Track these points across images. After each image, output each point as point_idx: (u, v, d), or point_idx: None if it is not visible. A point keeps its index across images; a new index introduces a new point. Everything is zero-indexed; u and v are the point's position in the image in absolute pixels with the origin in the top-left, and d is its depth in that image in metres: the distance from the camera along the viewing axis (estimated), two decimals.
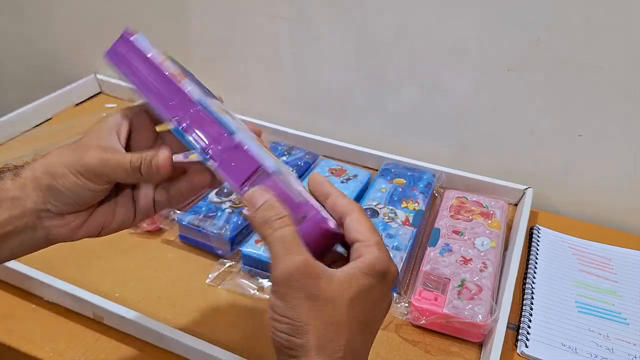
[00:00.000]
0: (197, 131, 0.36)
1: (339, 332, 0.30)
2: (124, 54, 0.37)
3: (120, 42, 0.37)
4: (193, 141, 0.36)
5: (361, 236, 0.33)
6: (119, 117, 0.39)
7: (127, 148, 0.38)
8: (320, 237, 0.33)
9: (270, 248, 0.31)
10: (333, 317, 0.30)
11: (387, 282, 0.32)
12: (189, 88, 0.37)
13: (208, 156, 0.36)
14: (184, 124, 0.36)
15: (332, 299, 0.30)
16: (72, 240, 0.38)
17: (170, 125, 0.36)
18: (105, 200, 0.39)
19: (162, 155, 0.36)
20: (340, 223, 0.34)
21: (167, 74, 0.37)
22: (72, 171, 0.35)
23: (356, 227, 0.33)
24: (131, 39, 0.37)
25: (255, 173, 0.34)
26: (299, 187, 0.35)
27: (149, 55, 0.37)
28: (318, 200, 0.35)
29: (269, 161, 0.35)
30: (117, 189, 0.39)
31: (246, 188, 0.34)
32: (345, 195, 0.35)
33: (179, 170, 0.39)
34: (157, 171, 0.36)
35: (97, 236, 0.39)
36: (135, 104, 0.40)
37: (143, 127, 0.40)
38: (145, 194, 0.40)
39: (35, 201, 0.35)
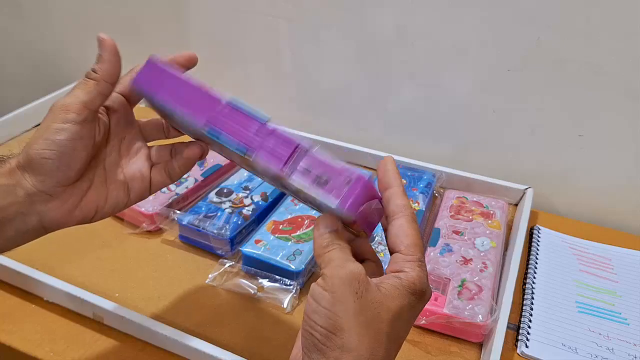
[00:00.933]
0: (230, 128, 0.36)
1: (379, 344, 0.29)
2: (149, 75, 0.37)
3: (145, 68, 0.38)
4: (229, 140, 0.36)
5: (404, 248, 0.32)
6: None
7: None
8: (367, 197, 0.33)
9: (333, 254, 0.31)
10: (375, 326, 0.29)
11: (423, 302, 0.32)
12: (217, 91, 0.37)
13: (245, 149, 0.36)
14: (216, 126, 0.36)
15: (378, 305, 0.29)
16: (67, 225, 0.38)
17: (204, 130, 0.36)
18: (96, 181, 0.39)
19: (102, 34, 0.36)
20: (386, 220, 0.34)
21: (194, 83, 0.38)
22: (43, 128, 0.35)
23: (402, 235, 0.32)
24: (154, 61, 0.38)
25: (294, 152, 0.35)
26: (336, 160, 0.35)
27: (172, 71, 0.38)
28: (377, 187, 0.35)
29: (304, 140, 0.35)
30: (109, 168, 0.39)
31: (286, 170, 0.34)
32: (406, 194, 0.34)
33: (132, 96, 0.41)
34: (106, 49, 0.36)
35: (91, 220, 0.39)
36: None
37: (117, 110, 0.41)
38: (140, 172, 0.41)
39: (24, 185, 0.35)
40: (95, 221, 0.39)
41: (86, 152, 0.37)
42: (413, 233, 0.32)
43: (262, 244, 0.60)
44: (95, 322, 0.54)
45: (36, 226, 0.36)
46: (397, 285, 0.30)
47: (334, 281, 0.29)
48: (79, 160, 0.36)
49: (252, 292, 0.58)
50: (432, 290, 0.55)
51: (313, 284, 0.30)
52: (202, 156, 0.42)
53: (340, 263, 0.30)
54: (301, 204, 0.67)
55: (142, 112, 0.45)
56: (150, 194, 0.42)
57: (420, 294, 0.31)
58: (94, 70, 0.36)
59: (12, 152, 0.37)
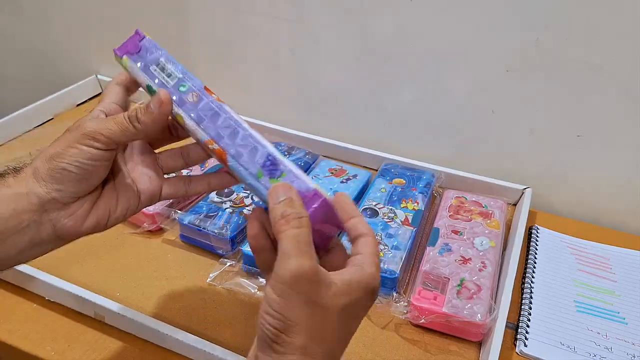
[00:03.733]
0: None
1: (325, 336, 0.31)
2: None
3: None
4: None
5: (367, 253, 0.34)
6: (106, 104, 0.40)
7: None
8: (327, 216, 0.34)
9: (282, 244, 0.31)
10: (323, 322, 0.31)
11: (372, 300, 0.34)
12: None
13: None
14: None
15: (327, 306, 0.31)
16: (80, 235, 0.38)
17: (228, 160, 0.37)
18: (106, 187, 0.39)
19: (162, 92, 0.37)
20: (351, 241, 0.36)
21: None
22: (70, 144, 0.35)
23: (367, 245, 0.34)
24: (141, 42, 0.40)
25: (268, 161, 0.36)
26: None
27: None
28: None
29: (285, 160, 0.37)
30: (116, 174, 0.40)
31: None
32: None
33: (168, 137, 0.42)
34: (159, 108, 0.36)
35: (105, 227, 0.39)
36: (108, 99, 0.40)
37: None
38: (147, 173, 0.41)
39: (38, 193, 0.35)
40: (108, 228, 0.39)
41: (106, 170, 0.38)
42: (376, 249, 0.35)
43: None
44: (96, 321, 0.54)
45: (50, 236, 0.37)
46: (352, 281, 0.32)
47: (283, 286, 0.30)
48: (98, 179, 0.37)
49: (253, 291, 0.59)
50: (432, 289, 0.56)
51: (266, 286, 0.31)
52: (228, 186, 0.44)
53: (292, 256, 0.30)
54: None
55: None
56: (162, 199, 0.42)
57: (372, 291, 0.33)
58: (138, 119, 0.36)
59: (25, 162, 0.37)
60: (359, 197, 0.72)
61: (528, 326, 0.56)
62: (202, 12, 0.86)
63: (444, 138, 0.80)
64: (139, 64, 0.39)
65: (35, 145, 0.81)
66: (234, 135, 0.37)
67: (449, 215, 0.67)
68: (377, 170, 0.77)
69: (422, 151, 0.80)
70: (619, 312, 0.59)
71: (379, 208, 0.67)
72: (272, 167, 0.36)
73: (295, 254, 0.30)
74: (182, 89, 0.38)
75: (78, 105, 0.96)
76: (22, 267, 0.55)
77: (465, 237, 0.64)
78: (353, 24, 0.76)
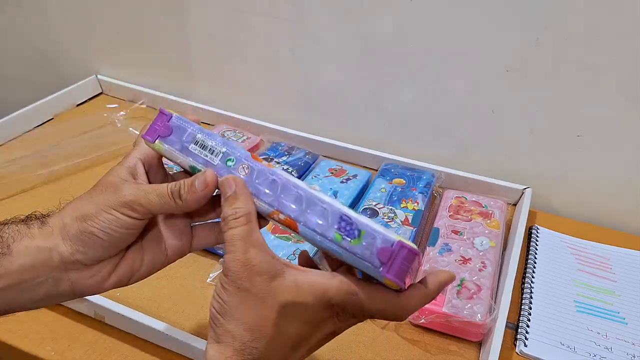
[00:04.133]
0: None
1: (259, 327, 0.31)
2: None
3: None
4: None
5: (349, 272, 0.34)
6: (132, 159, 0.38)
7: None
8: (414, 263, 0.33)
9: (225, 244, 0.33)
10: (256, 312, 0.31)
11: (328, 312, 0.33)
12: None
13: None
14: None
15: (262, 296, 0.31)
16: (100, 292, 0.37)
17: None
18: (133, 246, 0.38)
19: (209, 172, 0.35)
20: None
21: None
22: (105, 208, 0.34)
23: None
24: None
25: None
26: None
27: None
28: None
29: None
30: (143, 231, 0.38)
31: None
32: None
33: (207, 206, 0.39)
34: (203, 190, 0.35)
35: (127, 284, 0.38)
36: (139, 145, 0.39)
37: (153, 165, 0.39)
38: (178, 228, 0.39)
39: (62, 252, 0.34)
40: (130, 284, 0.39)
41: (135, 237, 0.37)
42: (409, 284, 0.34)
43: None
44: (96, 321, 0.54)
45: (67, 291, 0.36)
46: (299, 283, 0.32)
47: (223, 276, 0.32)
48: (125, 244, 0.36)
49: None
50: None
51: (220, 274, 0.33)
52: None
53: (228, 252, 0.32)
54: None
55: None
56: (191, 251, 0.41)
57: (326, 303, 0.32)
58: (180, 196, 0.35)
59: (53, 211, 0.36)
60: (359, 197, 0.72)
61: (528, 326, 0.56)
62: (202, 12, 0.86)
63: (444, 138, 0.80)
64: (176, 147, 0.36)
65: (36, 145, 0.81)
66: (299, 201, 0.34)
67: (449, 215, 0.67)
68: (377, 170, 0.77)
69: (422, 151, 0.80)
70: (619, 312, 0.59)
71: (379, 208, 0.68)
72: (348, 228, 0.33)
73: (229, 250, 0.32)
74: (229, 163, 0.36)
75: (78, 105, 0.96)
76: None
77: (465, 237, 0.64)
78: (353, 24, 0.76)
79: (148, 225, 0.38)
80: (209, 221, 0.41)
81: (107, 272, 0.37)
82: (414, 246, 0.32)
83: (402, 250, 0.32)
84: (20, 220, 0.35)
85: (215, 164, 0.36)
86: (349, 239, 0.33)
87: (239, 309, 0.32)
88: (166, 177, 0.40)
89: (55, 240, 0.34)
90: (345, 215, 0.33)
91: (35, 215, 0.36)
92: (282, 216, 0.35)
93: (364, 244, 0.32)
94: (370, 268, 0.32)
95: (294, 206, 0.34)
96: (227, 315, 0.32)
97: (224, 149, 0.36)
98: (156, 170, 0.39)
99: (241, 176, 0.35)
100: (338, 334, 0.35)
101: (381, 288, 0.33)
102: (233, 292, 0.32)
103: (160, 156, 0.39)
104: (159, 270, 0.40)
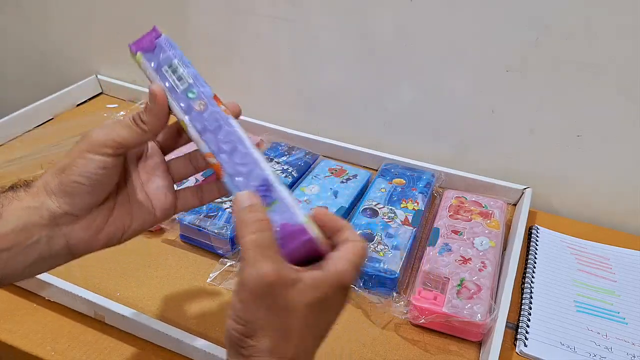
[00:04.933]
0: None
1: (292, 336, 0.31)
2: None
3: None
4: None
5: (344, 250, 0.33)
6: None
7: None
8: (309, 253, 0.33)
9: (243, 250, 0.31)
10: (288, 323, 0.31)
11: (343, 295, 0.34)
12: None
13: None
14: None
15: (291, 307, 0.31)
16: (94, 249, 0.38)
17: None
18: (120, 201, 0.39)
19: (154, 84, 0.37)
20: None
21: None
22: (78, 155, 0.35)
23: (345, 245, 0.34)
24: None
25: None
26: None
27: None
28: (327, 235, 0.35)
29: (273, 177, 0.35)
30: (128, 187, 0.39)
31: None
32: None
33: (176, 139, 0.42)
34: (154, 101, 0.36)
35: (119, 241, 0.39)
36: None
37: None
38: (161, 187, 0.40)
39: (50, 207, 0.35)
40: (123, 242, 0.39)
41: (116, 179, 0.37)
42: (358, 250, 0.33)
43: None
44: (96, 321, 0.54)
45: (62, 249, 0.36)
46: (319, 279, 0.31)
47: (245, 292, 0.30)
48: (109, 187, 0.37)
49: None
50: (432, 289, 0.56)
51: (233, 293, 0.32)
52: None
53: (251, 262, 0.30)
54: (301, 204, 0.68)
55: None
56: (177, 212, 0.42)
57: (344, 287, 0.33)
58: (142, 120, 0.36)
59: (37, 175, 0.37)
60: (359, 197, 0.72)
61: (528, 326, 0.56)
62: (202, 12, 0.86)
63: (444, 138, 0.80)
64: (152, 63, 0.38)
65: (36, 145, 0.81)
66: (233, 152, 0.36)
67: (449, 215, 0.67)
68: (377, 170, 0.77)
69: (422, 151, 0.80)
70: (619, 312, 0.59)
71: (379, 208, 0.68)
72: (265, 193, 0.34)
73: (255, 260, 0.30)
74: (190, 95, 0.37)
75: (78, 105, 0.96)
76: None
77: (465, 237, 0.64)
78: (353, 24, 0.76)
79: (132, 186, 0.39)
80: (189, 184, 0.42)
81: (99, 226, 0.37)
82: (315, 235, 0.33)
83: (302, 235, 0.32)
84: (6, 189, 0.36)
85: (178, 91, 0.37)
86: (262, 204, 0.34)
87: (270, 325, 0.30)
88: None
89: (42, 197, 0.35)
90: (267, 180, 0.35)
91: (19, 183, 0.37)
92: (213, 160, 0.36)
93: (272, 213, 0.33)
94: None
95: (226, 156, 0.36)
96: (257, 336, 0.30)
97: (190, 80, 0.37)
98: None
99: (195, 109, 0.37)
100: (344, 306, 0.35)
101: (349, 250, 0.34)
102: (261, 309, 0.30)
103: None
104: (150, 228, 0.41)
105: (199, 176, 0.72)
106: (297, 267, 0.32)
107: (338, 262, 0.33)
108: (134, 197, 0.39)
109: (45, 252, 0.36)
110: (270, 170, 0.35)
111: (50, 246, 0.36)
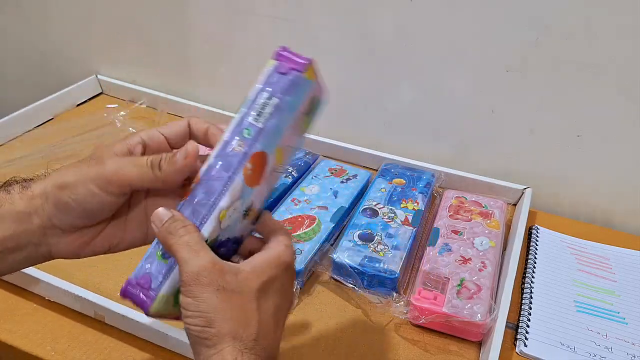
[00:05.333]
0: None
1: (249, 319, 0.32)
2: None
3: None
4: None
5: (274, 239, 0.36)
6: (135, 138, 0.37)
7: None
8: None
9: (177, 255, 0.32)
10: (242, 306, 0.32)
11: (289, 273, 0.36)
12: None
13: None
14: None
15: (239, 290, 0.32)
16: (77, 258, 0.37)
17: None
18: (115, 218, 0.38)
19: (191, 143, 0.35)
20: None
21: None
22: (83, 180, 0.34)
23: (273, 235, 0.37)
24: None
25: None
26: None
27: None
28: None
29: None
30: (129, 205, 0.38)
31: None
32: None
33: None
34: (184, 159, 0.34)
35: (105, 253, 0.39)
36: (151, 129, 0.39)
37: (155, 140, 0.38)
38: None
39: (41, 217, 0.34)
40: (108, 254, 0.39)
41: (113, 211, 0.37)
42: (286, 235, 0.37)
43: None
44: (96, 321, 0.54)
45: (45, 255, 0.36)
46: (259, 264, 0.34)
47: (189, 287, 0.31)
48: (102, 217, 0.36)
49: None
50: (432, 289, 0.56)
51: (179, 295, 0.32)
52: None
53: (188, 260, 0.32)
54: (301, 204, 0.68)
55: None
56: None
57: (286, 266, 0.35)
58: (160, 166, 0.35)
59: (37, 175, 0.36)
60: (359, 197, 0.72)
61: (528, 326, 0.56)
62: (202, 12, 0.86)
63: (444, 138, 0.80)
64: (269, 77, 0.37)
65: (36, 145, 0.81)
66: (207, 192, 0.34)
67: (449, 215, 0.67)
68: (377, 170, 0.77)
69: (422, 151, 0.80)
70: (619, 312, 0.59)
71: (379, 208, 0.68)
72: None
73: (188, 257, 0.32)
74: (245, 133, 0.34)
75: (78, 105, 0.96)
76: None
77: (465, 237, 0.64)
78: (353, 24, 0.76)
79: (134, 206, 0.38)
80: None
81: (85, 242, 0.37)
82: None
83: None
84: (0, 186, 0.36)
85: (243, 120, 0.35)
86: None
87: (225, 309, 0.31)
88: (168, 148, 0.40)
89: (35, 204, 0.34)
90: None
91: (15, 180, 0.36)
92: (249, 165, 0.34)
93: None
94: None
95: (201, 190, 0.34)
96: (216, 322, 0.31)
97: (261, 126, 0.35)
98: (156, 145, 0.38)
99: (232, 145, 0.34)
100: (292, 293, 0.38)
101: (278, 233, 0.37)
102: (211, 296, 0.31)
103: (165, 143, 0.38)
104: (138, 247, 0.40)
105: None
106: (230, 262, 0.34)
107: (271, 245, 0.36)
108: (131, 219, 0.39)
109: (31, 255, 0.36)
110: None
111: (35, 252, 0.36)
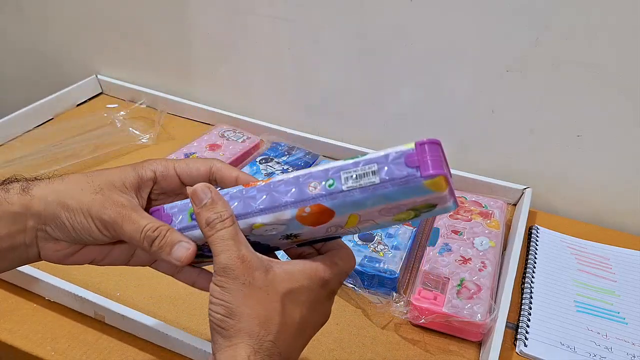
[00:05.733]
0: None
1: (270, 320, 0.32)
2: None
3: None
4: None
5: (332, 250, 0.36)
6: (148, 169, 0.37)
7: (148, 200, 0.38)
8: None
9: (212, 247, 0.33)
10: (264, 305, 0.32)
11: (325, 291, 0.35)
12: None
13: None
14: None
15: (265, 288, 0.32)
16: (60, 264, 0.38)
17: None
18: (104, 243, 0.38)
19: (185, 247, 0.35)
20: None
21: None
22: (84, 210, 0.34)
23: (335, 244, 0.37)
24: None
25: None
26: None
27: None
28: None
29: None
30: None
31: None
32: None
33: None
34: (177, 261, 0.34)
35: (90, 264, 0.39)
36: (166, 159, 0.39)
37: (169, 180, 0.38)
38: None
39: (36, 221, 0.35)
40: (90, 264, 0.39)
41: (102, 244, 0.37)
42: (345, 255, 0.36)
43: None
44: (96, 321, 0.54)
45: (35, 257, 0.37)
46: (292, 270, 0.33)
47: (219, 277, 0.32)
48: (93, 244, 0.37)
49: None
50: (432, 289, 0.56)
51: (210, 283, 0.33)
52: None
53: (223, 250, 0.32)
54: None
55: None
56: (151, 267, 0.41)
57: (322, 282, 0.34)
58: (151, 246, 0.34)
59: (42, 176, 0.37)
60: None
61: (528, 326, 0.56)
62: (202, 12, 0.86)
63: (444, 138, 0.79)
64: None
65: (36, 145, 0.80)
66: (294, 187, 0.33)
67: (449, 215, 0.67)
68: None
69: None
70: (619, 312, 0.59)
71: None
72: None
73: (222, 250, 0.32)
74: (327, 183, 0.32)
75: (78, 105, 0.96)
76: (22, 268, 0.55)
77: (465, 237, 0.64)
78: (353, 23, 0.76)
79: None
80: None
81: (70, 253, 0.38)
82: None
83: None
84: None
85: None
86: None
87: (248, 304, 0.32)
88: (181, 188, 0.39)
89: (33, 209, 0.35)
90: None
91: (16, 178, 0.36)
92: (307, 209, 0.32)
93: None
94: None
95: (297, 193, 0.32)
96: (236, 315, 0.32)
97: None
98: (168, 184, 0.39)
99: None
100: (327, 316, 0.37)
101: (334, 253, 0.36)
102: (236, 289, 0.32)
103: (178, 183, 0.38)
104: (121, 265, 0.40)
105: None
106: (271, 259, 0.34)
107: (317, 259, 0.35)
108: (118, 245, 0.39)
109: (23, 256, 0.36)
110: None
111: (27, 253, 0.36)
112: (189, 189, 0.35)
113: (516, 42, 0.68)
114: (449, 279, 0.57)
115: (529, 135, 0.74)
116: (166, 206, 0.37)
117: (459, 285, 0.56)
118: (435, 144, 0.31)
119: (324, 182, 0.32)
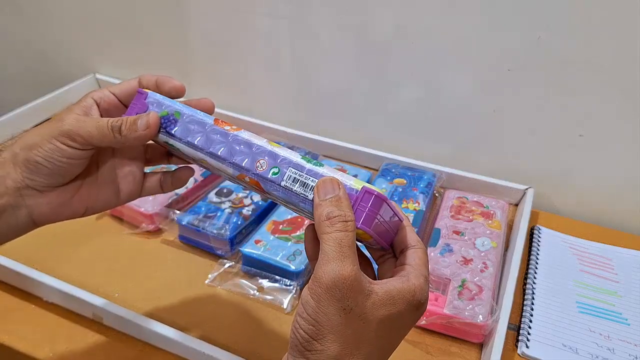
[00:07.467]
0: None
1: (360, 347, 0.29)
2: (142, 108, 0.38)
3: (137, 101, 0.39)
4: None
5: (414, 263, 0.33)
6: (87, 99, 0.39)
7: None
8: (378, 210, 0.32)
9: (324, 246, 0.30)
10: (359, 332, 0.29)
11: (418, 314, 0.32)
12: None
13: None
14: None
15: (364, 316, 0.29)
16: (57, 221, 0.38)
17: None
18: (87, 177, 0.39)
19: (153, 114, 0.37)
20: (397, 249, 0.35)
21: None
22: (47, 138, 0.35)
23: (416, 257, 0.33)
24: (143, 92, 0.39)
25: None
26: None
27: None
28: None
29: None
30: (98, 165, 0.40)
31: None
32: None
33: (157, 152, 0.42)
34: (145, 130, 0.36)
35: (82, 216, 0.39)
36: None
37: (111, 110, 0.40)
38: (133, 174, 0.41)
39: (15, 178, 0.35)
40: (85, 216, 0.40)
41: (81, 167, 0.37)
42: (425, 261, 0.33)
43: (262, 244, 0.60)
44: (94, 322, 0.54)
45: (26, 220, 0.37)
46: (393, 293, 0.30)
47: (320, 290, 0.29)
48: (74, 174, 0.37)
49: (252, 292, 0.58)
50: (433, 290, 0.55)
51: (305, 287, 0.30)
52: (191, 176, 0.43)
53: (332, 259, 0.29)
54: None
55: None
56: (140, 197, 0.42)
57: (417, 305, 0.31)
58: (120, 131, 0.36)
59: (6, 143, 0.38)
60: None
61: (530, 327, 0.56)
62: (202, 11, 0.86)
63: (445, 138, 0.80)
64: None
65: None
66: (249, 159, 0.35)
67: (450, 216, 0.67)
68: (377, 170, 0.77)
69: (423, 151, 0.80)
70: (621, 313, 0.58)
71: None
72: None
73: (335, 258, 0.29)
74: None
75: None
76: (21, 268, 0.55)
77: (466, 237, 0.63)
78: (353, 23, 0.76)
79: (102, 164, 0.40)
80: (160, 169, 0.43)
81: (62, 202, 0.38)
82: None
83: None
84: None
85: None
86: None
87: (341, 332, 0.29)
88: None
89: (7, 168, 0.35)
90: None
91: None
92: (247, 179, 0.35)
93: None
94: None
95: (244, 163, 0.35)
96: (326, 341, 0.29)
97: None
98: (111, 107, 0.40)
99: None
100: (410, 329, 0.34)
101: (419, 263, 0.33)
102: (335, 313, 0.28)
103: (116, 102, 0.40)
104: (113, 207, 0.41)
105: (199, 176, 0.72)
106: (370, 279, 0.31)
107: (411, 276, 0.31)
108: (102, 179, 0.40)
109: (12, 221, 0.36)
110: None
111: (16, 216, 0.36)
112: (318, 183, 0.32)
113: (518, 42, 0.67)
114: (450, 279, 0.57)
115: (531, 135, 0.73)
116: (150, 93, 0.39)
117: (460, 286, 0.56)
118: (380, 199, 0.31)
119: (271, 167, 0.34)
